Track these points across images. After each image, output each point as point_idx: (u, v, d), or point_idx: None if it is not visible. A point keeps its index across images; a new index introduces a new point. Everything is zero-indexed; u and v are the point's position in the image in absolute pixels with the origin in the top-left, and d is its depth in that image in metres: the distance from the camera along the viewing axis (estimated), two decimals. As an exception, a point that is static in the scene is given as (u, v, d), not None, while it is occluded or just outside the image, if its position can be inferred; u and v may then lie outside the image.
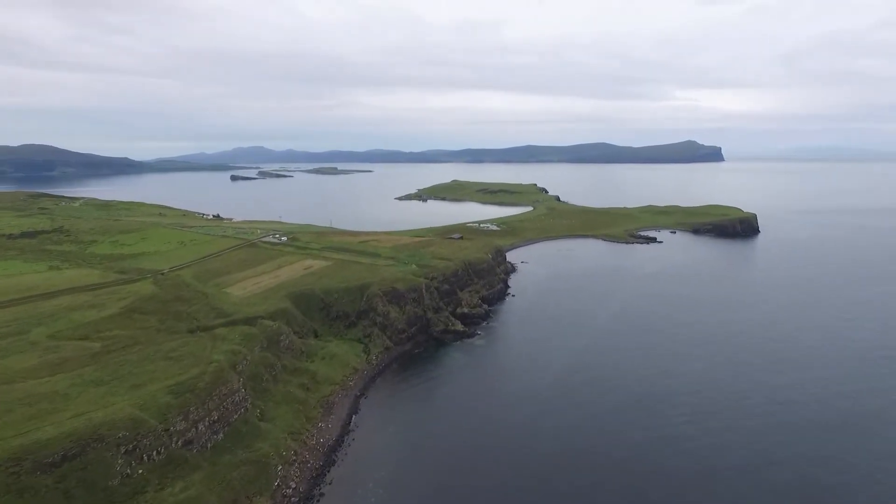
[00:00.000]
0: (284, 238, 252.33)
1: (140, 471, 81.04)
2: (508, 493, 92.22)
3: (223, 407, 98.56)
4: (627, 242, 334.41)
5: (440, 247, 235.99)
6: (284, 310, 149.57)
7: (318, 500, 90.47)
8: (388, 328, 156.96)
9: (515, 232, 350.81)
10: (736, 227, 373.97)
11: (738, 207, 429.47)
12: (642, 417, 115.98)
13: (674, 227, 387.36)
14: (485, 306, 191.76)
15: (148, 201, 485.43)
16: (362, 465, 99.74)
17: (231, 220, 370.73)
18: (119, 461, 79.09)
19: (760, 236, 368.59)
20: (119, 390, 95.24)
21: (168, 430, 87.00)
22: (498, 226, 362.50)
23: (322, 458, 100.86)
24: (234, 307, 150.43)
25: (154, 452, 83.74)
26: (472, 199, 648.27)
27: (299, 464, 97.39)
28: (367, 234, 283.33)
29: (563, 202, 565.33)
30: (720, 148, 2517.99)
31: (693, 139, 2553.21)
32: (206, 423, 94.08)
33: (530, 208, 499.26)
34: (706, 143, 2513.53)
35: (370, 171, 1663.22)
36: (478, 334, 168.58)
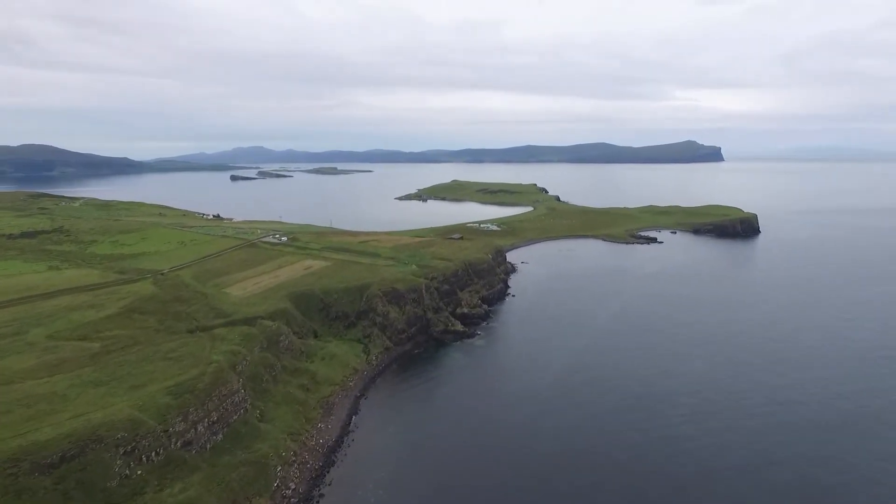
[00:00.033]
0: (284, 238, 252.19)
1: (139, 472, 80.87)
2: (508, 493, 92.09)
3: (222, 408, 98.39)
4: (627, 242, 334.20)
5: (440, 247, 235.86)
6: (284, 310, 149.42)
7: (317, 501, 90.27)
8: (388, 328, 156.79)
9: (515, 232, 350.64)
10: (736, 227, 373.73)
11: (739, 207, 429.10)
12: (642, 417, 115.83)
13: (674, 228, 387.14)
14: (485, 306, 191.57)
15: (148, 201, 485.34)
16: (362, 466, 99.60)
17: (231, 220, 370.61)
18: (118, 462, 78.93)
19: (761, 236, 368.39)
20: (118, 391, 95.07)
21: (167, 430, 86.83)
22: (498, 226, 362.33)
23: (322, 459, 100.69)
24: (234, 307, 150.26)
25: (153, 453, 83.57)
26: (472, 200, 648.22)
27: (299, 465, 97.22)
28: (367, 234, 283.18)
29: (564, 202, 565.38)
30: (720, 148, 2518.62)
31: (693, 139, 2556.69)
32: (206, 424, 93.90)
33: (530, 208, 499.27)
34: (706, 143, 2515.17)
35: (370, 171, 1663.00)
36: (478, 334, 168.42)
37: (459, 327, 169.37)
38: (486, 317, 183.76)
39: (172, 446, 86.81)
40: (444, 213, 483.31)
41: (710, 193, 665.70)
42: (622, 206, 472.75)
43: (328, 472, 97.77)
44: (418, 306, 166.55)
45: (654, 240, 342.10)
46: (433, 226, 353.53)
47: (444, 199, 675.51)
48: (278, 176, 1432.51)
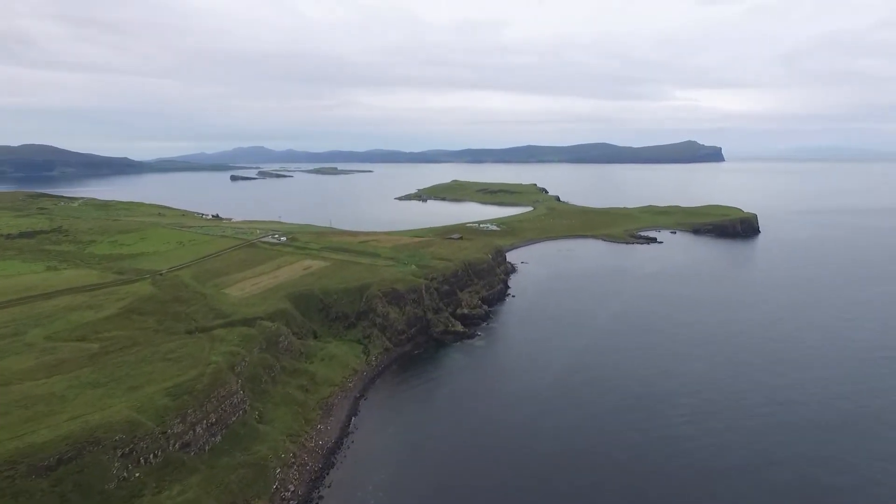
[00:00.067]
0: (284, 238, 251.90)
1: (137, 474, 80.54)
2: (508, 494, 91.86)
3: (221, 409, 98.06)
4: (627, 243, 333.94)
5: (440, 247, 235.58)
6: (283, 310, 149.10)
7: (316, 503, 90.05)
8: (388, 329, 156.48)
9: (515, 232, 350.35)
10: (736, 227, 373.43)
11: (739, 207, 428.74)
12: (642, 417, 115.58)
13: (674, 228, 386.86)
14: (485, 307, 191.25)
15: (147, 201, 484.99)
16: (362, 468, 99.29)
17: (230, 220, 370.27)
18: (116, 464, 78.59)
19: (761, 236, 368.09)
20: (116, 392, 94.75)
21: (165, 432, 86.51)
22: (498, 226, 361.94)
23: (321, 461, 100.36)
24: (233, 308, 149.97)
25: (151, 455, 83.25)
26: (472, 200, 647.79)
27: (298, 466, 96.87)
28: (367, 234, 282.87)
29: (563, 202, 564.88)
30: (720, 148, 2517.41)
31: (693, 139, 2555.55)
32: (204, 426, 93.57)
33: (530, 208, 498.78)
34: (706, 144, 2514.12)
35: (370, 172, 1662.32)
36: (478, 335, 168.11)
37: (459, 328, 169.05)
38: (486, 317, 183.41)
39: (171, 448, 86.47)
40: (443, 213, 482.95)
41: (710, 193, 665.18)
42: (622, 206, 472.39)
43: (327, 473, 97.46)
44: (418, 307, 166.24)
45: (653, 240, 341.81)
46: (433, 226, 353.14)
47: (443, 199, 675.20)
48: (278, 176, 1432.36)
